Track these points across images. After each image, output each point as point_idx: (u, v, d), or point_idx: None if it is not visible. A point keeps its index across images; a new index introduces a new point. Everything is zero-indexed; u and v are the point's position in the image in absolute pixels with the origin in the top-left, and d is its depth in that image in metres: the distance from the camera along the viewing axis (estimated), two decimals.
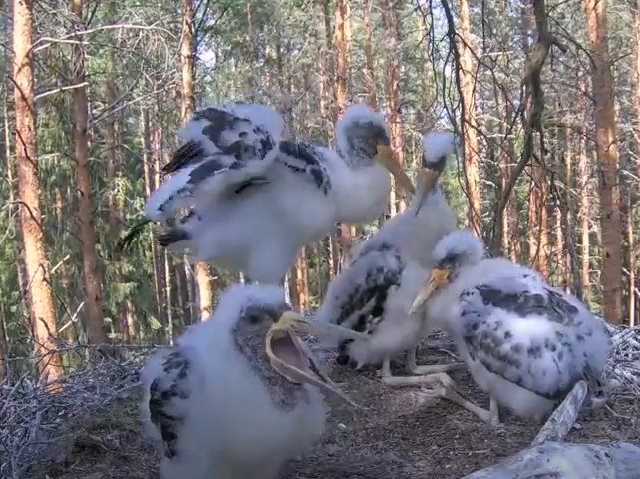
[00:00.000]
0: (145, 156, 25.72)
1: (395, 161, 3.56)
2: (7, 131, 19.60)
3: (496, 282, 3.21)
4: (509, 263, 3.56)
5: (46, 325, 9.35)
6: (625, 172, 21.99)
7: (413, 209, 3.62)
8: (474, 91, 9.60)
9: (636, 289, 20.24)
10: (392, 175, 3.52)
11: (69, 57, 14.97)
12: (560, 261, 22.75)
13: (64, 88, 15.21)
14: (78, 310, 14.69)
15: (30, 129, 11.28)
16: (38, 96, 12.64)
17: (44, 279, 11.12)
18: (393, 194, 21.70)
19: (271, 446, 2.08)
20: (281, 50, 27.69)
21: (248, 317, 2.10)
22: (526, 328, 3.04)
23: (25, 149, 10.96)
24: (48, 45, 13.47)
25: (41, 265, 11.03)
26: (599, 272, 24.56)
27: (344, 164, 3.44)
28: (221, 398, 2.05)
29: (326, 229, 3.60)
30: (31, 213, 11.02)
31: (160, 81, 17.46)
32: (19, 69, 11.10)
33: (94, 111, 20.42)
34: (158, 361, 2.29)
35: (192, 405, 2.09)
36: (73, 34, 12.86)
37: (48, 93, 15.55)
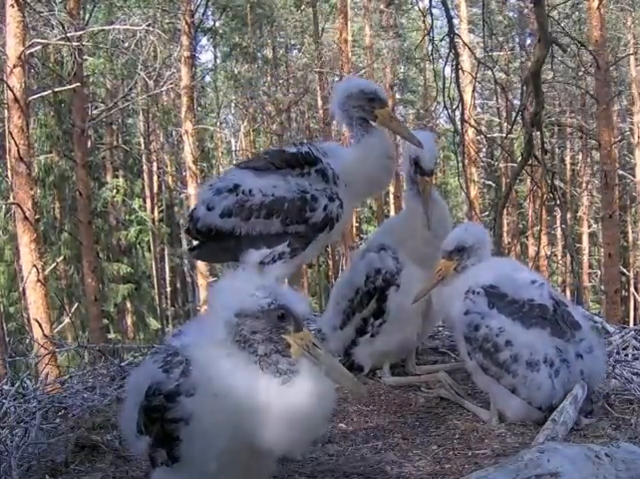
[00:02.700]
0: (144, 156, 25.71)
1: (396, 122, 3.54)
2: (7, 131, 19.60)
3: (503, 285, 3.19)
4: (519, 265, 3.53)
5: (40, 326, 9.33)
6: (620, 172, 22.01)
7: (416, 216, 3.58)
8: (473, 91, 9.60)
9: (634, 292, 20.27)
10: (397, 136, 3.58)
11: (67, 58, 14.97)
12: (560, 261, 22.77)
13: (57, 89, 15.27)
14: (73, 310, 14.66)
15: (23, 130, 11.33)
16: (32, 97, 12.69)
17: (38, 280, 11.12)
18: (393, 195, 21.77)
19: (290, 424, 1.99)
20: (280, 51, 27.72)
21: (275, 311, 2.03)
22: (527, 340, 3.04)
23: (18, 150, 11.00)
24: (39, 47, 13.51)
25: (34, 266, 11.03)
26: (599, 272, 24.58)
27: (343, 148, 3.61)
28: (230, 393, 1.99)
29: (347, 218, 3.66)
30: (24, 214, 11.03)
31: (152, 82, 17.45)
32: (11, 71, 11.14)
33: (94, 111, 20.42)
34: (145, 370, 2.23)
35: (198, 403, 2.03)
36: (64, 35, 12.88)
37: (41, 94, 15.56)
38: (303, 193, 3.37)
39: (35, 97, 14.36)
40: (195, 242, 3.66)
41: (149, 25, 16.06)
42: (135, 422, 2.20)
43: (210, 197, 3.43)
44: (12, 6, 11.04)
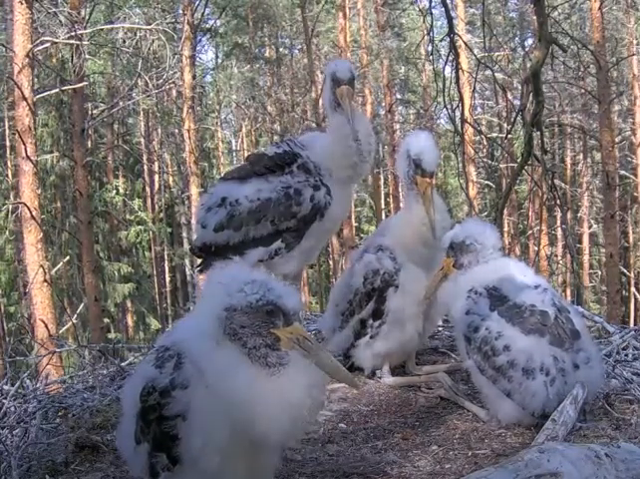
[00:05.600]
0: (144, 156, 25.72)
1: (345, 101, 3.50)
2: (7, 131, 19.62)
3: (506, 288, 3.18)
4: (524, 267, 3.49)
5: (46, 326, 9.33)
6: (622, 172, 22.01)
7: (416, 217, 3.55)
8: (473, 91, 9.59)
9: (635, 291, 20.26)
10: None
11: (68, 57, 14.94)
12: (560, 261, 22.77)
13: (64, 88, 15.17)
14: (78, 311, 14.67)
15: (30, 129, 11.22)
16: (38, 96, 12.60)
17: (44, 280, 11.08)
18: (392, 196, 21.78)
19: (281, 414, 2.00)
20: (282, 50, 27.73)
21: (263, 307, 2.03)
22: (525, 347, 3.03)
23: (25, 149, 10.91)
24: (48, 45, 13.44)
25: (41, 266, 10.99)
26: (600, 273, 24.58)
27: (320, 136, 3.69)
28: (222, 383, 2.00)
29: (342, 209, 3.72)
30: (31, 213, 10.97)
31: (161, 81, 17.43)
32: (20, 69, 11.05)
33: (94, 111, 20.45)
34: (139, 375, 2.22)
35: (193, 396, 2.03)
36: (73, 34, 12.80)
37: (48, 93, 15.52)
38: (287, 188, 3.48)
39: (42, 95, 14.29)
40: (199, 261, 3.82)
41: (157, 24, 15.98)
42: (132, 433, 2.18)
43: (203, 215, 3.64)
44: (20, 3, 10.93)
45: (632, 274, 23.31)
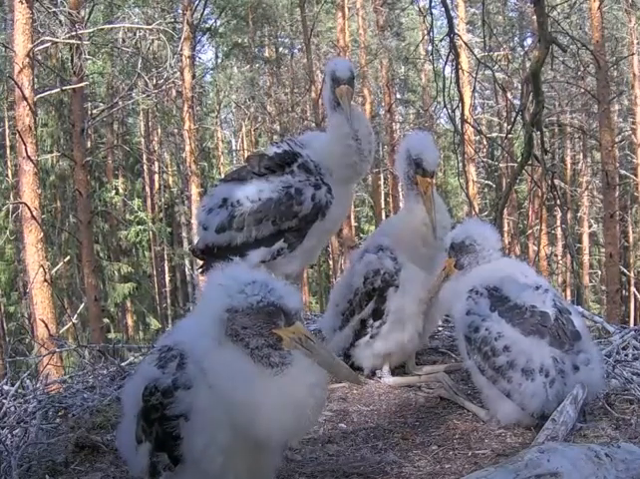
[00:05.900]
0: (144, 156, 25.72)
1: (344, 99, 3.50)
2: (7, 131, 19.63)
3: (507, 288, 3.17)
4: (526, 268, 3.47)
5: (46, 326, 9.32)
6: (623, 172, 22.02)
7: (416, 216, 3.55)
8: (473, 91, 9.60)
9: (635, 290, 20.27)
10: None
11: (68, 57, 14.93)
12: (560, 261, 22.77)
13: (64, 88, 15.16)
14: (78, 311, 14.69)
15: (31, 129, 11.19)
16: (38, 96, 12.58)
17: (45, 280, 11.07)
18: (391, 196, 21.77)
19: (283, 413, 2.00)
20: (281, 50, 27.74)
21: (264, 308, 2.03)
22: (525, 348, 3.02)
23: (26, 149, 10.88)
24: (48, 45, 13.42)
25: (42, 266, 10.97)
26: (600, 272, 24.58)
27: (320, 135, 3.71)
28: (225, 383, 2.00)
29: (343, 208, 3.73)
30: (32, 213, 10.95)
31: (161, 81, 17.43)
32: (20, 69, 11.02)
33: (94, 111, 20.44)
34: (140, 375, 2.22)
35: (196, 396, 2.03)
36: (73, 33, 12.78)
37: (48, 93, 15.51)
38: (287, 188, 3.48)
39: (42, 95, 14.27)
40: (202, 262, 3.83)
41: (158, 24, 15.95)
42: (133, 433, 2.18)
43: (205, 217, 3.63)
44: (20, 2, 10.86)
45: (632, 274, 23.31)
